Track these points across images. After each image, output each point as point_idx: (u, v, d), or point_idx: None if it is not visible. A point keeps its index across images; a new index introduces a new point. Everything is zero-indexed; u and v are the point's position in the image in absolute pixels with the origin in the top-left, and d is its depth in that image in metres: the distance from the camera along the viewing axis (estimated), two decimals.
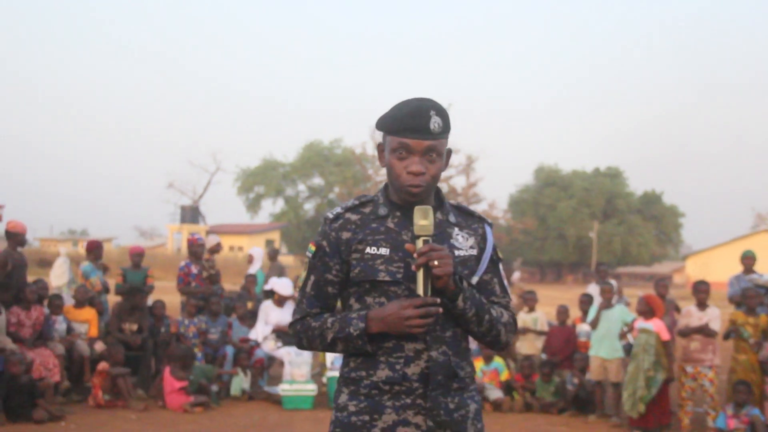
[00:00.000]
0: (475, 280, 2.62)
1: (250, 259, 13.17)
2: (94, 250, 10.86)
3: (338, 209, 2.64)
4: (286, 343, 10.59)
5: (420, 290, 2.43)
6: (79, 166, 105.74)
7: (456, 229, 2.63)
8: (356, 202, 2.64)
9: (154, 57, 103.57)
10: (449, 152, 2.62)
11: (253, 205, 63.41)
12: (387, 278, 2.52)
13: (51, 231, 75.05)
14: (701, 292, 8.89)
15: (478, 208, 51.94)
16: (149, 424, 8.36)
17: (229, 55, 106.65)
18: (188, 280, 10.55)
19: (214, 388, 9.59)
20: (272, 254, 13.78)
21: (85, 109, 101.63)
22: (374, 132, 51.88)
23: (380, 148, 2.64)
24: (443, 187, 52.70)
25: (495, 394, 9.71)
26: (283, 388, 9.45)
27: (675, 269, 70.44)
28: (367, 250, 2.55)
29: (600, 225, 62.11)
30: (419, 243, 2.44)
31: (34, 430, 7.86)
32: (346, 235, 2.58)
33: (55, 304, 9.67)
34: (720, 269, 56.73)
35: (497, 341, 2.64)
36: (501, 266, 2.73)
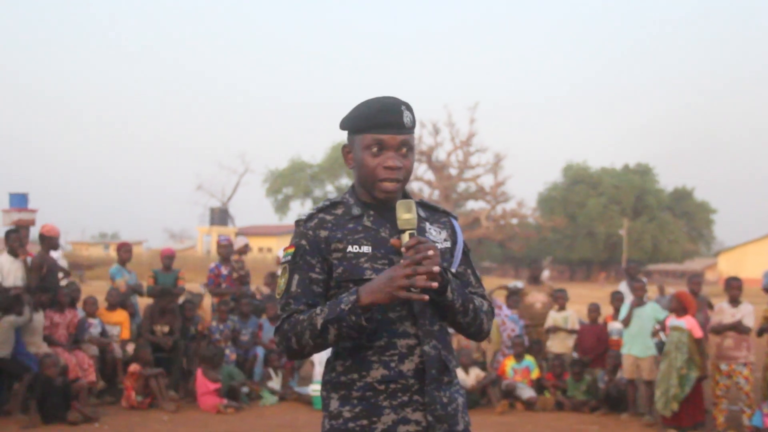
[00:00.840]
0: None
1: (278, 261, 13.23)
2: (120, 252, 10.98)
3: (310, 210, 2.60)
4: None
5: None
6: (110, 170, 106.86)
7: (427, 223, 2.63)
8: (327, 203, 2.61)
9: (182, 62, 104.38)
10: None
11: (282, 207, 63.65)
12: (373, 275, 2.47)
13: (83, 234, 75.90)
14: (734, 288, 8.77)
15: (507, 207, 51.80)
16: (181, 424, 8.42)
17: (256, 59, 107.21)
18: (218, 282, 10.62)
19: (245, 389, 9.64)
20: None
21: (115, 115, 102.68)
22: None
23: (346, 150, 2.62)
24: (471, 186, 52.65)
25: (527, 392, 9.67)
26: (313, 389, 9.47)
27: (707, 266, 69.72)
28: (349, 248, 2.51)
29: (630, 222, 61.59)
30: (405, 237, 2.39)
31: (68, 431, 7.94)
32: (323, 233, 2.53)
33: (91, 306, 9.77)
34: (753, 265, 56.12)
35: (480, 331, 2.62)
36: (470, 257, 2.73)
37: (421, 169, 52.53)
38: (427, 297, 2.34)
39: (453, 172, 51.62)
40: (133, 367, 9.16)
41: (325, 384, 2.57)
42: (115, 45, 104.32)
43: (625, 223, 60.85)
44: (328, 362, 2.57)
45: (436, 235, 2.62)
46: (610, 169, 65.39)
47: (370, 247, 2.50)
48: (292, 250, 2.55)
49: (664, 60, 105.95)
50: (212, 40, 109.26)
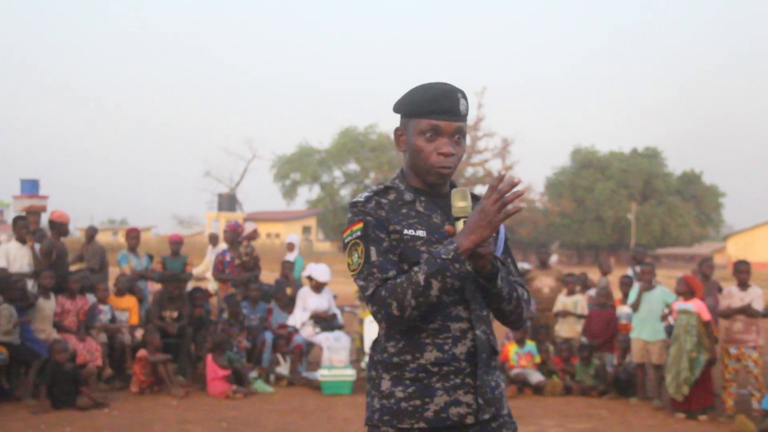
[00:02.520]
0: None
1: (290, 248, 13.21)
2: (129, 237, 11.00)
3: (366, 194, 2.61)
4: (324, 328, 10.63)
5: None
6: (119, 157, 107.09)
7: (470, 211, 2.63)
8: (380, 187, 2.63)
9: (189, 47, 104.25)
10: None
11: (290, 192, 63.67)
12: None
13: (91, 221, 76.04)
14: (742, 272, 8.73)
15: None
16: (190, 409, 8.44)
17: (263, 43, 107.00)
18: (222, 268, 10.64)
19: (253, 374, 9.66)
20: (213, 239, 14.28)
21: (123, 101, 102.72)
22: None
23: (398, 132, 2.63)
24: (479, 171, 52.55)
25: (536, 377, 9.67)
26: (322, 374, 9.49)
27: (716, 250, 69.54)
28: (405, 231, 2.54)
29: (638, 206, 61.45)
30: (459, 224, 2.43)
31: (78, 416, 7.97)
32: (382, 213, 2.56)
33: (102, 292, 9.80)
34: (762, 249, 56.02)
35: (520, 319, 2.66)
36: (510, 245, 2.74)
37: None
38: (523, 206, 2.39)
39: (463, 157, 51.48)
40: (141, 353, 9.18)
41: (376, 364, 2.59)
42: (122, 32, 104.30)
43: (634, 207, 60.71)
44: (377, 342, 2.61)
45: None
46: (618, 153, 65.20)
47: (425, 232, 2.55)
48: (360, 225, 2.53)
49: (673, 42, 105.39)
50: (219, 26, 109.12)
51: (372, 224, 2.52)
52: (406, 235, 2.53)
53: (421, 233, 2.54)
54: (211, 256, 13.09)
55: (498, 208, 2.32)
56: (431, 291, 2.38)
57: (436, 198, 2.60)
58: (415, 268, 2.42)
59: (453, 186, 2.64)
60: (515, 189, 2.34)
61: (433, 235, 2.54)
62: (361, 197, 2.60)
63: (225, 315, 9.93)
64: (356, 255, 2.52)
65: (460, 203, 2.44)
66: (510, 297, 2.56)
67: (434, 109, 2.52)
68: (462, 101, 2.54)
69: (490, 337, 2.59)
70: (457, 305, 2.53)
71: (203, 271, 13.29)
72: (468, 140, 51.03)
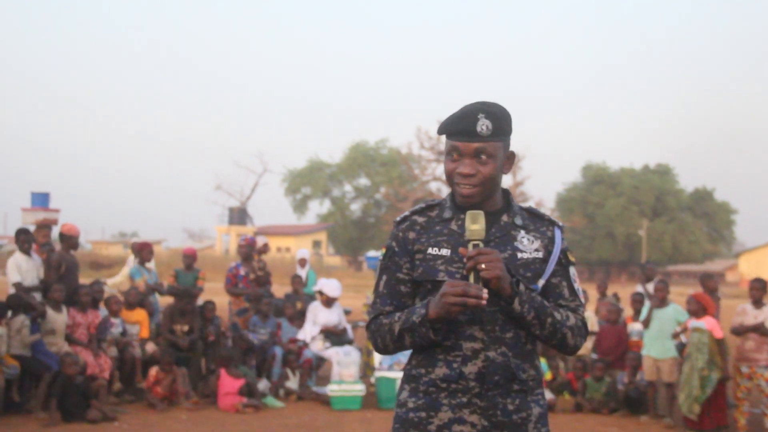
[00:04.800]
0: (541, 282, 2.61)
1: (302, 263, 13.18)
2: (141, 251, 11.01)
3: (406, 213, 2.71)
4: (334, 343, 10.63)
5: None
6: (129, 170, 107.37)
7: (522, 231, 2.65)
8: (423, 206, 2.71)
9: (200, 62, 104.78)
10: (512, 155, 2.64)
11: (300, 206, 63.77)
12: (445, 278, 2.55)
13: (103, 234, 76.35)
14: (757, 289, 8.67)
15: None
16: (200, 423, 8.44)
17: (274, 57, 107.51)
18: (236, 282, 10.64)
19: (262, 385, 9.65)
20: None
21: (135, 115, 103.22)
22: (420, 132, 51.93)
23: (443, 152, 2.72)
24: None
25: (546, 394, 9.61)
26: (331, 389, 9.48)
27: (728, 267, 69.22)
28: (429, 250, 2.61)
29: (650, 223, 61.26)
30: (470, 247, 2.47)
31: (88, 429, 7.99)
32: (411, 234, 2.66)
33: (114, 306, 9.81)
34: None
35: (564, 345, 2.62)
36: (572, 269, 2.69)
37: (439, 169, 52.53)
38: (484, 302, 2.40)
39: None
40: (155, 373, 9.17)
41: (403, 375, 2.70)
42: (133, 45, 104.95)
43: (645, 223, 60.52)
44: (410, 355, 2.69)
45: (527, 244, 2.64)
46: (629, 169, 65.05)
47: (449, 251, 2.60)
48: (383, 251, 2.72)
49: (685, 58, 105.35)
50: (231, 42, 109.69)
51: (393, 251, 2.68)
52: (429, 254, 2.61)
53: (444, 252, 2.60)
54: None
55: (454, 301, 2.40)
56: (405, 341, 2.57)
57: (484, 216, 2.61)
58: (396, 316, 2.58)
59: (508, 204, 2.68)
60: (479, 295, 2.39)
61: (456, 254, 2.57)
62: (400, 216, 2.73)
63: (238, 329, 9.94)
64: (377, 278, 2.73)
65: (472, 226, 2.48)
66: (541, 322, 2.54)
67: (452, 130, 2.58)
68: (482, 121, 2.55)
69: (510, 360, 2.55)
70: (472, 325, 2.54)
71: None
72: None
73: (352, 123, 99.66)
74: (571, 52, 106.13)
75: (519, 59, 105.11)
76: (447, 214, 2.65)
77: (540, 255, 2.63)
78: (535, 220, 2.69)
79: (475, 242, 2.47)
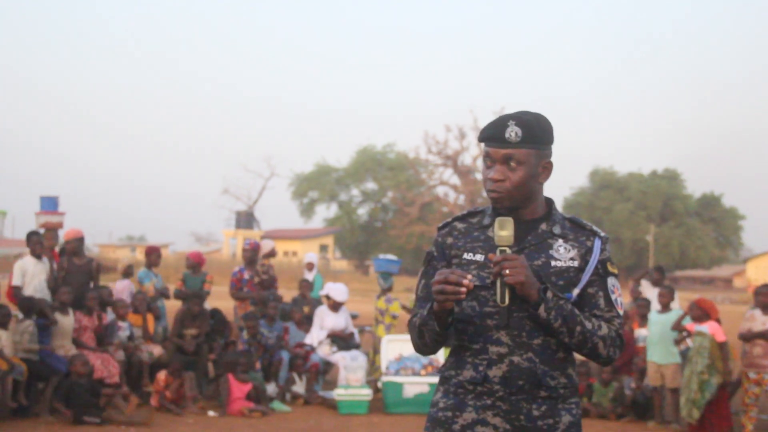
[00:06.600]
0: (575, 292, 2.62)
1: (310, 267, 13.18)
2: (150, 255, 11.06)
3: (448, 219, 2.80)
4: (341, 348, 10.64)
5: (498, 298, 2.52)
6: (137, 174, 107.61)
7: (560, 240, 2.67)
8: (465, 212, 2.77)
9: (207, 67, 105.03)
10: (549, 164, 2.67)
11: (307, 210, 63.76)
12: (477, 283, 2.58)
13: (110, 237, 76.49)
14: (764, 295, 8.65)
15: None
16: (206, 427, 8.46)
17: (281, 63, 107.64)
18: (240, 286, 10.67)
19: (270, 389, 9.67)
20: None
21: (142, 120, 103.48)
22: (427, 136, 51.96)
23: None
24: None
25: None
26: (338, 393, 9.49)
27: (735, 272, 69.01)
28: (465, 255, 2.68)
29: (657, 228, 61.13)
30: (498, 253, 2.53)
31: (94, 431, 8.01)
32: (450, 240, 2.74)
33: (121, 309, 9.84)
34: None
35: (596, 354, 2.63)
36: (611, 280, 2.69)
37: (446, 174, 52.54)
38: (463, 290, 2.46)
39: (479, 176, 51.53)
40: (163, 377, 9.19)
41: (439, 377, 2.78)
42: (141, 52, 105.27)
43: (652, 228, 60.40)
44: (446, 358, 2.77)
45: (564, 253, 2.66)
46: (637, 174, 64.94)
47: (483, 256, 2.64)
48: (426, 256, 2.81)
49: (693, 62, 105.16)
50: (238, 45, 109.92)
51: (432, 256, 2.77)
52: (465, 259, 2.68)
53: (479, 257, 2.65)
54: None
55: (436, 290, 2.49)
56: (424, 337, 2.66)
57: (521, 223, 2.65)
58: (420, 314, 2.69)
59: (550, 212, 2.71)
60: (459, 282, 2.46)
61: (490, 261, 2.59)
62: (444, 221, 2.82)
63: (245, 334, 9.96)
64: (416, 284, 2.84)
65: (501, 232, 2.53)
66: (569, 330, 2.55)
67: (484, 136, 2.67)
68: (512, 128, 2.60)
69: (537, 366, 2.58)
70: (499, 329, 2.59)
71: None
72: None
73: (359, 127, 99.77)
74: (578, 57, 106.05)
75: (526, 63, 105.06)
76: (486, 221, 2.71)
77: (575, 264, 2.65)
78: (576, 229, 2.72)
79: (503, 248, 2.52)
